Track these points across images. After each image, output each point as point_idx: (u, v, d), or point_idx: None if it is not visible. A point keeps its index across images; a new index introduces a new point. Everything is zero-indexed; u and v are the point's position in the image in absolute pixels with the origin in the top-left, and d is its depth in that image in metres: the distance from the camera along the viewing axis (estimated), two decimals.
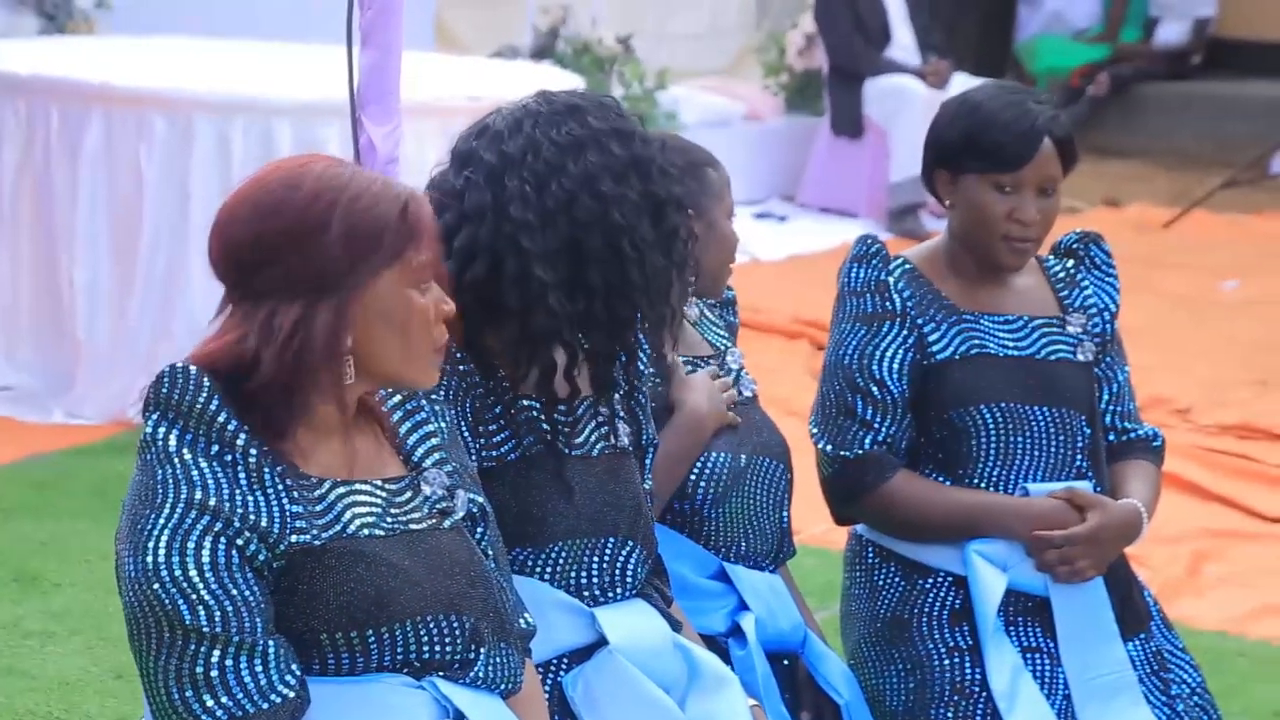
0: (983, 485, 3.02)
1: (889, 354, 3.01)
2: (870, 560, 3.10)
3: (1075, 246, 3.19)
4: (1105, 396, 3.13)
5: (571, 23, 8.96)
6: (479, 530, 2.35)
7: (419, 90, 5.20)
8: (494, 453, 2.52)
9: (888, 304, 3.03)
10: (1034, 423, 3.02)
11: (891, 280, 3.04)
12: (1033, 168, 2.98)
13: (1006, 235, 3.00)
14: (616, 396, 2.63)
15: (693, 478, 2.86)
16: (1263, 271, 8.35)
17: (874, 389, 3.00)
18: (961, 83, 9.16)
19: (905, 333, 3.02)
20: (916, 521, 3.01)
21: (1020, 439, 3.02)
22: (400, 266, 2.18)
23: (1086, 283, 3.15)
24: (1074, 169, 3.06)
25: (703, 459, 2.87)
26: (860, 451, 3.01)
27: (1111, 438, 3.14)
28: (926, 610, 3.02)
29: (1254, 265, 8.46)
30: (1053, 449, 3.03)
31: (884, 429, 3.00)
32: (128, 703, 3.84)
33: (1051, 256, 3.19)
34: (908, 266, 3.08)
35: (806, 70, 9.67)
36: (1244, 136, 10.41)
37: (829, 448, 3.03)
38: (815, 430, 3.06)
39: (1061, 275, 3.15)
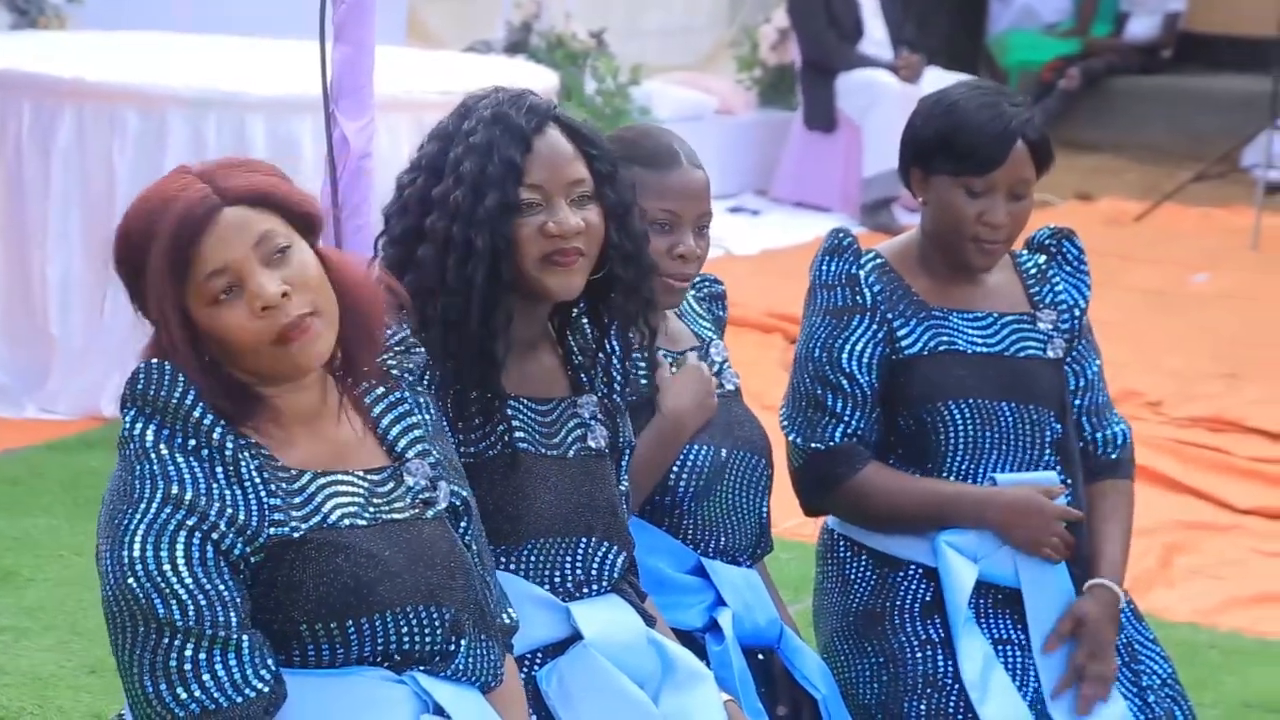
0: (951, 479, 3.03)
1: (858, 347, 3.02)
2: (842, 554, 3.11)
3: (1047, 242, 3.19)
4: (1076, 389, 3.14)
5: (545, 17, 8.95)
6: (462, 524, 2.36)
7: (392, 85, 5.20)
8: (471, 449, 2.53)
9: (858, 298, 3.04)
10: (1002, 419, 3.03)
11: (862, 274, 3.05)
12: (1004, 172, 2.98)
13: (975, 237, 3.00)
14: (594, 399, 2.63)
15: (674, 471, 2.86)
16: (1233, 264, 8.39)
17: (843, 382, 3.01)
18: (934, 77, 9.18)
19: (875, 327, 3.03)
20: (887, 512, 3.02)
21: (988, 435, 3.03)
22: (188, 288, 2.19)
23: (1057, 279, 3.16)
24: (1050, 168, 3.06)
25: (684, 453, 2.87)
26: (831, 444, 3.02)
27: (1084, 444, 3.14)
28: (898, 603, 3.03)
29: (1224, 258, 8.49)
30: (1021, 445, 3.05)
31: (854, 421, 3.01)
32: (101, 697, 3.84)
33: (1025, 251, 3.20)
34: (879, 261, 3.08)
35: (779, 65, 9.69)
36: (1214, 130, 10.46)
37: (799, 440, 3.04)
38: (785, 422, 3.07)
39: (1033, 271, 3.16)
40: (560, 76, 7.49)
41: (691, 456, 2.87)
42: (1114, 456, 3.15)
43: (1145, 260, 8.30)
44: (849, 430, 3.01)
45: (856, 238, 3.10)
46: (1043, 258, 3.18)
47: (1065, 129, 10.40)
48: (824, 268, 3.06)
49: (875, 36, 9.21)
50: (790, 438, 3.06)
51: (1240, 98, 10.75)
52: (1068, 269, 3.17)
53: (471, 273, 2.47)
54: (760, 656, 2.92)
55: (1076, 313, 3.14)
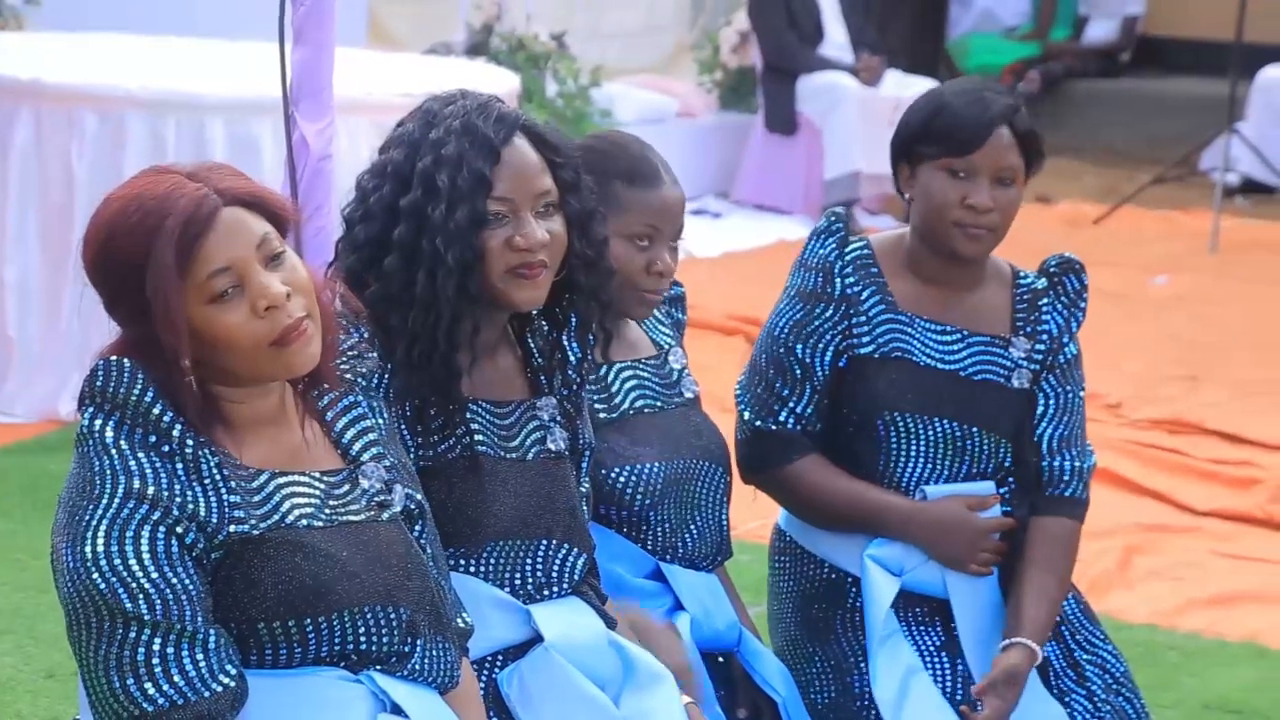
0: (883, 483, 3.01)
1: (816, 337, 3.00)
2: (793, 558, 3.11)
3: (1052, 270, 3.12)
4: (1042, 416, 3.05)
5: (506, 19, 8.95)
6: (417, 528, 2.36)
7: (352, 87, 5.19)
8: (431, 452, 2.52)
9: (829, 287, 3.02)
10: (934, 435, 3.00)
11: (839, 264, 3.02)
12: (986, 154, 2.96)
13: (959, 221, 2.96)
14: (553, 401, 2.63)
15: (629, 490, 2.85)
16: (1192, 267, 8.43)
17: (797, 369, 3.01)
18: (894, 80, 9.21)
19: (837, 319, 3.01)
20: (817, 507, 3.02)
21: (919, 448, 3.00)
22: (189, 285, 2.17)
23: (1047, 308, 3.09)
24: (1040, 165, 3.02)
25: (635, 470, 2.86)
26: (774, 426, 3.01)
27: (1039, 471, 3.05)
28: (843, 610, 3.03)
29: (1183, 261, 8.53)
30: (952, 464, 3.01)
31: (799, 408, 3.00)
32: (59, 701, 3.83)
33: (1030, 274, 3.12)
34: (864, 252, 3.05)
35: (740, 67, 9.70)
36: (1173, 133, 10.52)
37: (747, 414, 3.04)
38: (739, 392, 3.07)
39: (1027, 295, 3.09)
40: (521, 79, 7.49)
41: (643, 473, 2.85)
42: (1066, 493, 3.04)
43: (1104, 263, 8.30)
44: (795, 414, 3.01)
45: (847, 224, 3.06)
46: (1043, 283, 3.11)
47: None
48: (810, 247, 3.05)
49: (836, 40, 9.23)
50: (740, 409, 3.06)
51: (1198, 101, 10.81)
52: (1062, 301, 3.10)
53: (441, 286, 2.47)
54: (720, 659, 2.92)
55: (1056, 346, 3.07)
